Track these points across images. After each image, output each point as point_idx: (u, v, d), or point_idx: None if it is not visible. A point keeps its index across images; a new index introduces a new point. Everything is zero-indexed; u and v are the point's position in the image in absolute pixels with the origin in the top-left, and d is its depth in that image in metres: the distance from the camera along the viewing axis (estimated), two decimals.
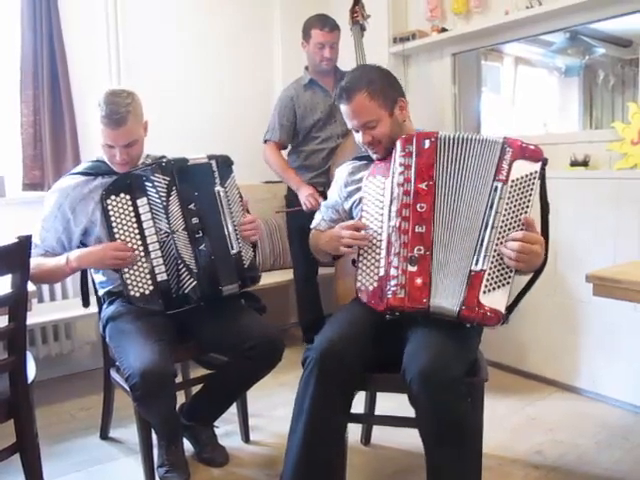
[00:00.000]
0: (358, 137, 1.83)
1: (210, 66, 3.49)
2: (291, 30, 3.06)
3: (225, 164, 2.05)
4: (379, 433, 2.27)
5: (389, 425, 2.14)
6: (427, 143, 1.69)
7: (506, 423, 2.40)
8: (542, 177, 1.62)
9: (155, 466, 2.00)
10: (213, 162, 2.02)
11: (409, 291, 1.64)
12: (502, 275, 1.59)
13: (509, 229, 1.59)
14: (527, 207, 1.59)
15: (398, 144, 1.72)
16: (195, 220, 1.96)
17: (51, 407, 2.65)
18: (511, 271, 1.59)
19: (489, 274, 1.59)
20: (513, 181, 1.60)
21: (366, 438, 2.26)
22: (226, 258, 2.01)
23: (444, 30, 3.11)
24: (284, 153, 3.16)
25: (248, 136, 3.28)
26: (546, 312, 2.74)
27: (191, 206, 1.96)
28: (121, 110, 1.87)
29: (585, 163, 2.61)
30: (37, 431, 1.69)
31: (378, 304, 1.70)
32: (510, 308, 1.63)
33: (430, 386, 1.47)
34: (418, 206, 1.67)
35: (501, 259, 1.59)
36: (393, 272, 1.67)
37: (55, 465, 2.12)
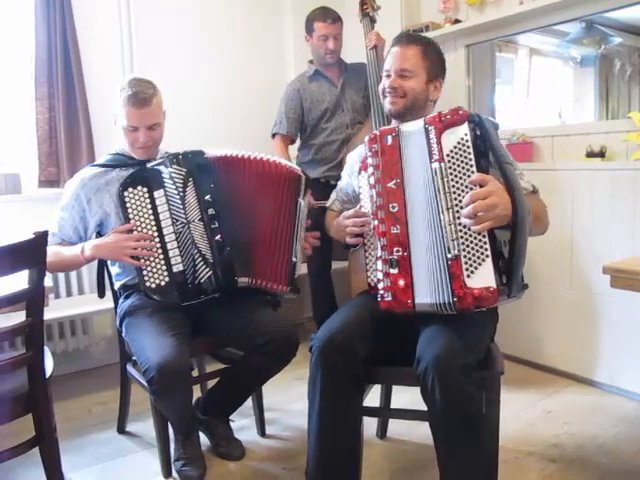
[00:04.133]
0: (384, 83, 1.84)
1: (222, 61, 3.49)
2: (303, 25, 3.06)
3: (309, 183, 2.07)
4: (395, 427, 2.27)
5: (405, 419, 2.13)
6: (389, 139, 1.67)
7: (522, 416, 2.39)
8: (481, 134, 1.52)
9: (172, 459, 2.02)
10: (304, 177, 2.05)
11: (394, 294, 1.63)
12: (478, 251, 1.50)
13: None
14: (472, 172, 1.50)
15: (366, 143, 1.72)
16: (212, 211, 1.98)
17: (68, 402, 2.68)
18: (485, 243, 1.49)
19: (465, 256, 1.51)
20: (448, 155, 1.53)
21: (382, 432, 2.25)
22: (282, 258, 2.01)
23: (457, 21, 3.08)
24: (293, 148, 3.16)
25: (259, 130, 3.27)
26: (562, 304, 2.72)
27: (207, 197, 1.98)
28: (147, 91, 1.95)
29: (601, 154, 2.57)
30: (55, 425, 1.71)
31: None
32: (510, 274, 1.51)
33: (444, 373, 1.46)
34: (390, 206, 1.65)
35: (470, 236, 1.51)
36: (379, 275, 1.67)
37: (73, 459, 2.15)
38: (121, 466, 2.13)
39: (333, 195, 2.08)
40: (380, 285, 1.66)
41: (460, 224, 1.53)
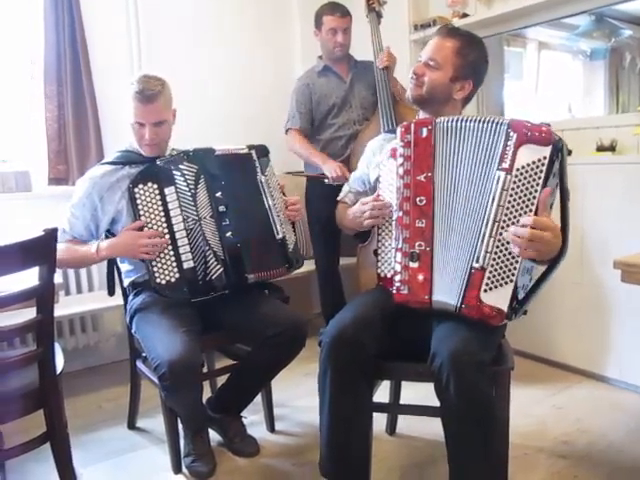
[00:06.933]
0: (415, 66, 1.82)
1: (229, 60, 3.49)
2: (311, 21, 3.05)
3: (263, 153, 2.13)
4: (404, 423, 2.26)
5: (414, 414, 2.13)
6: (425, 131, 1.63)
7: (532, 412, 2.38)
8: (557, 161, 1.47)
9: (182, 455, 2.02)
10: (253, 152, 2.09)
11: (412, 288, 1.63)
12: (505, 273, 1.49)
13: (513, 223, 1.47)
14: (534, 197, 1.46)
15: (398, 133, 1.69)
16: (222, 208, 1.99)
17: (79, 398, 2.70)
18: (515, 268, 1.48)
19: (490, 272, 1.50)
20: (518, 169, 1.47)
21: (391, 428, 2.25)
22: (267, 244, 2.06)
23: (465, 16, 3.06)
24: None
25: (268, 127, 3.27)
26: (573, 299, 2.70)
27: (219, 194, 2.00)
28: (153, 88, 1.96)
29: (612, 148, 2.56)
30: (66, 421, 1.72)
31: None
32: (522, 302, 1.53)
33: (460, 369, 1.45)
34: (417, 199, 1.63)
35: (504, 255, 1.49)
36: (397, 268, 1.66)
37: (84, 454, 2.16)
38: (131, 462, 2.14)
39: (346, 188, 2.07)
40: (397, 277, 1.66)
41: (500, 240, 1.49)
